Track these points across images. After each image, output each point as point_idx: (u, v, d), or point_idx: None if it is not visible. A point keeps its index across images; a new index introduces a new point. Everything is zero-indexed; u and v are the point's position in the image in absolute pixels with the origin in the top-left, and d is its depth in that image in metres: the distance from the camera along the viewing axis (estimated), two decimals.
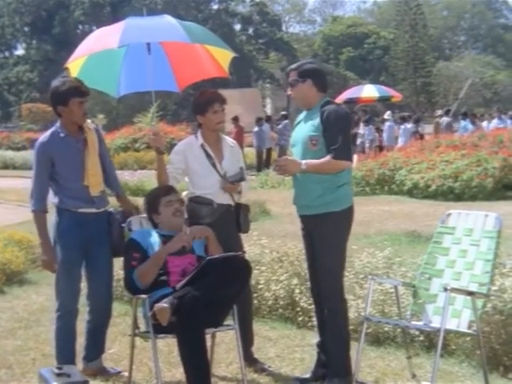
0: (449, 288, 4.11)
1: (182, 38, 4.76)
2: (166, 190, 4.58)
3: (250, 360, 4.81)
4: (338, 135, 4.32)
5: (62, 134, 4.54)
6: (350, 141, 4.45)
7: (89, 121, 4.67)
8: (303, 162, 4.35)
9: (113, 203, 4.84)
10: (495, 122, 21.85)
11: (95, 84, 5.20)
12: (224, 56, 5.17)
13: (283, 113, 21.64)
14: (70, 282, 4.57)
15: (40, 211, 4.52)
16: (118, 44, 4.66)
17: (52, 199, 4.57)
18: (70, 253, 4.51)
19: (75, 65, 4.98)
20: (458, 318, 4.31)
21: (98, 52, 4.86)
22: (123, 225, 4.62)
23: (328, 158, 4.31)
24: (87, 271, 4.65)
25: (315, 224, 4.39)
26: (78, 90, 4.51)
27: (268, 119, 22.58)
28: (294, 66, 4.57)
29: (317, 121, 4.39)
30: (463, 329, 4.32)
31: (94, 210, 4.58)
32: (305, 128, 4.48)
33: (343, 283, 4.48)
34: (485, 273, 4.34)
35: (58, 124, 4.60)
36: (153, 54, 4.89)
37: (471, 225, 4.54)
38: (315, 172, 4.34)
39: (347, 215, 4.43)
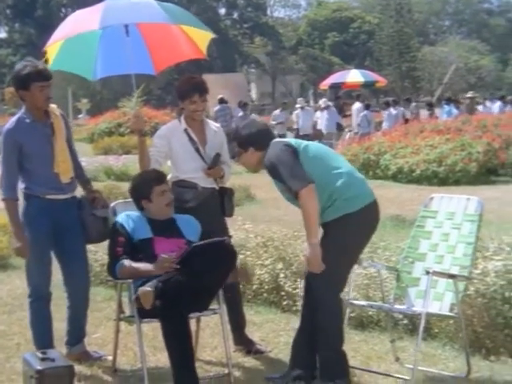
0: (431, 271, 4.13)
1: (162, 19, 4.77)
2: (158, 177, 4.51)
3: (245, 342, 4.84)
4: (283, 179, 4.04)
5: (27, 120, 4.47)
6: (295, 167, 4.03)
7: (54, 106, 4.59)
8: (309, 244, 3.97)
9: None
10: (481, 108, 22.18)
11: (71, 67, 5.20)
12: (202, 37, 5.16)
13: (220, 96, 20.95)
14: (40, 266, 4.55)
15: (11, 199, 4.45)
16: (99, 26, 4.66)
17: (20, 185, 4.52)
18: (38, 238, 4.46)
19: (54, 48, 4.94)
20: (440, 301, 4.35)
21: (79, 34, 4.83)
22: (95, 212, 4.58)
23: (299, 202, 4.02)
24: (61, 258, 4.62)
25: (327, 228, 4.12)
26: (39, 74, 4.40)
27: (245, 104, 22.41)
28: (232, 138, 4.36)
29: None
30: (445, 312, 4.36)
31: (62, 196, 4.54)
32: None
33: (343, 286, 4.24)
34: (466, 256, 4.38)
35: (22, 110, 4.52)
36: (130, 36, 4.86)
37: (453, 208, 4.56)
38: (314, 220, 3.97)
39: (361, 216, 4.09)
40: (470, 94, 24.21)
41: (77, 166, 4.74)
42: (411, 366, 4.17)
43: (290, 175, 4.03)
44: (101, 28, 4.70)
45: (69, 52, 4.92)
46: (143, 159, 4.75)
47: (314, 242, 3.98)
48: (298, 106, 22.66)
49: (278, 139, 4.33)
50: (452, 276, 4.24)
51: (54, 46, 4.95)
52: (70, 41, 4.89)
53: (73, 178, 4.63)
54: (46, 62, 4.97)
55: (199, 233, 4.49)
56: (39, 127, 4.48)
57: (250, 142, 4.24)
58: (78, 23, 4.92)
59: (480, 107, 22.78)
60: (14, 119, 4.51)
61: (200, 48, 5.16)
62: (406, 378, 4.16)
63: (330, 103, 22.19)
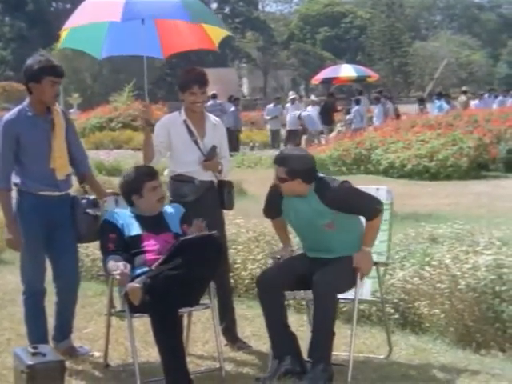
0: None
1: (183, 17, 4.78)
2: (149, 173, 4.50)
3: (232, 339, 4.85)
4: (358, 204, 4.30)
5: (29, 113, 4.47)
6: (364, 192, 4.40)
7: (56, 104, 4.60)
8: (364, 249, 4.30)
9: (77, 188, 4.81)
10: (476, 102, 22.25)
11: (80, 45, 5.22)
12: (217, 33, 5.18)
13: (212, 92, 20.85)
14: (34, 263, 4.54)
15: (4, 190, 4.45)
16: (121, 18, 4.62)
17: (13, 179, 4.51)
18: (32, 235, 4.45)
19: (66, 31, 4.97)
20: (361, 287, 4.45)
21: (97, 23, 4.87)
22: (88, 210, 4.56)
23: (369, 222, 4.31)
24: (51, 254, 4.60)
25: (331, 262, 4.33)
26: (53, 69, 4.44)
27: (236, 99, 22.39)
28: (280, 161, 4.33)
29: (319, 207, 4.28)
30: (366, 297, 4.58)
31: (56, 193, 4.52)
32: (307, 214, 4.33)
33: None
34: (382, 242, 4.59)
35: (26, 102, 4.51)
36: (145, 24, 4.86)
37: None
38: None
39: None
40: (465, 88, 24.18)
41: (84, 162, 4.75)
42: (346, 353, 4.28)
43: (364, 194, 4.36)
44: (123, 21, 4.65)
45: (79, 32, 4.95)
46: (148, 150, 4.74)
47: (370, 250, 4.35)
48: (289, 98, 22.62)
49: (327, 177, 4.43)
50: (374, 263, 4.41)
51: (67, 30, 4.97)
52: (82, 26, 4.91)
53: (69, 176, 4.62)
54: (58, 39, 5.04)
55: (181, 214, 4.50)
56: (39, 122, 4.48)
57: (301, 174, 4.27)
58: (99, 10, 4.85)
59: (476, 102, 22.76)
60: (15, 110, 4.51)
61: (213, 40, 5.17)
62: (344, 364, 4.26)
63: (316, 99, 22.15)
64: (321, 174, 4.39)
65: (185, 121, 4.79)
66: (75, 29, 4.94)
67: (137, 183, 4.46)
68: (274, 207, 4.55)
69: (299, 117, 20.59)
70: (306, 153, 4.48)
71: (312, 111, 21.83)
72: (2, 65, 57.29)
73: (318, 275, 4.20)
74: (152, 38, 5.12)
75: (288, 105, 22.03)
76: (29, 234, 4.45)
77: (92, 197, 4.66)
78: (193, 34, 5.16)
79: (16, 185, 4.51)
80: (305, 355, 4.25)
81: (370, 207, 4.32)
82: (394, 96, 29.52)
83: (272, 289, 4.27)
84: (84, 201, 4.60)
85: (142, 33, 4.81)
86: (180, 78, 4.89)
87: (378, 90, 23.96)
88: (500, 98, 23.04)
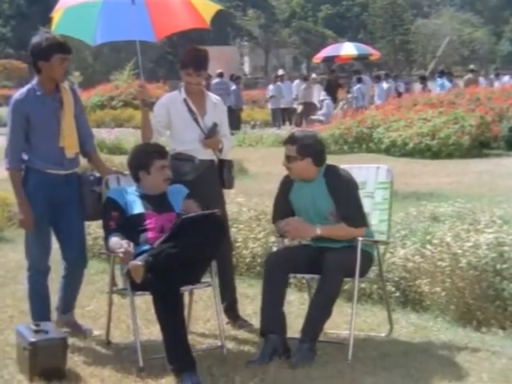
0: (361, 239, 4.26)
1: None
2: (160, 152, 4.49)
3: (234, 317, 4.87)
4: (350, 202, 4.31)
5: (38, 92, 4.46)
6: (362, 205, 4.40)
7: (65, 81, 4.61)
8: (317, 228, 4.30)
9: (84, 165, 4.80)
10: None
11: (73, 32, 5.17)
12: (208, 8, 5.17)
13: (219, 71, 20.72)
14: (39, 241, 4.54)
15: (15, 169, 4.46)
16: None
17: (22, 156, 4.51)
18: (37, 212, 4.44)
19: (58, 13, 4.94)
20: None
21: (85, 3, 4.84)
22: (95, 189, 4.56)
23: (344, 225, 4.30)
24: (59, 234, 4.60)
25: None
26: (61, 46, 4.43)
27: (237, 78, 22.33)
28: (291, 140, 4.40)
29: (325, 193, 4.33)
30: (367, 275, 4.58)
31: (62, 172, 4.52)
32: (315, 200, 4.37)
33: None
34: (382, 221, 4.58)
35: (34, 81, 4.51)
36: (135, 4, 4.84)
37: (364, 178, 4.63)
38: (329, 237, 4.33)
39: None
40: (472, 67, 24.02)
41: (89, 139, 4.72)
42: (347, 332, 4.30)
43: (360, 205, 4.37)
44: None
45: (71, 17, 4.93)
46: (145, 129, 4.73)
47: (318, 234, 4.32)
48: (278, 74, 22.49)
49: (338, 166, 4.45)
50: (375, 242, 4.44)
51: (58, 12, 4.95)
52: (74, 7, 4.89)
53: (77, 154, 4.62)
54: (50, 23, 5.00)
55: (184, 195, 4.48)
56: (48, 101, 4.47)
57: (311, 152, 4.33)
58: None
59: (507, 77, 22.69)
60: (24, 90, 4.51)
61: (204, 18, 5.14)
62: (344, 342, 4.27)
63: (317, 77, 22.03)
64: (330, 163, 4.43)
65: (185, 99, 4.78)
66: (68, 10, 4.90)
67: (146, 159, 4.44)
68: (283, 204, 4.50)
69: (322, 102, 20.50)
70: (316, 134, 4.52)
71: (313, 88, 21.73)
72: (2, 42, 57.04)
73: (330, 255, 4.23)
74: (143, 21, 5.08)
75: (279, 83, 21.95)
76: (33, 211, 4.45)
77: (98, 174, 4.67)
78: (184, 13, 5.14)
79: (23, 161, 4.51)
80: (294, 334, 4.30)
81: (359, 217, 4.34)
82: (397, 74, 29.33)
83: (279, 271, 4.30)
84: (91, 178, 4.62)
85: (133, 15, 4.78)
86: (180, 57, 4.89)
87: (354, 69, 23.85)
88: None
